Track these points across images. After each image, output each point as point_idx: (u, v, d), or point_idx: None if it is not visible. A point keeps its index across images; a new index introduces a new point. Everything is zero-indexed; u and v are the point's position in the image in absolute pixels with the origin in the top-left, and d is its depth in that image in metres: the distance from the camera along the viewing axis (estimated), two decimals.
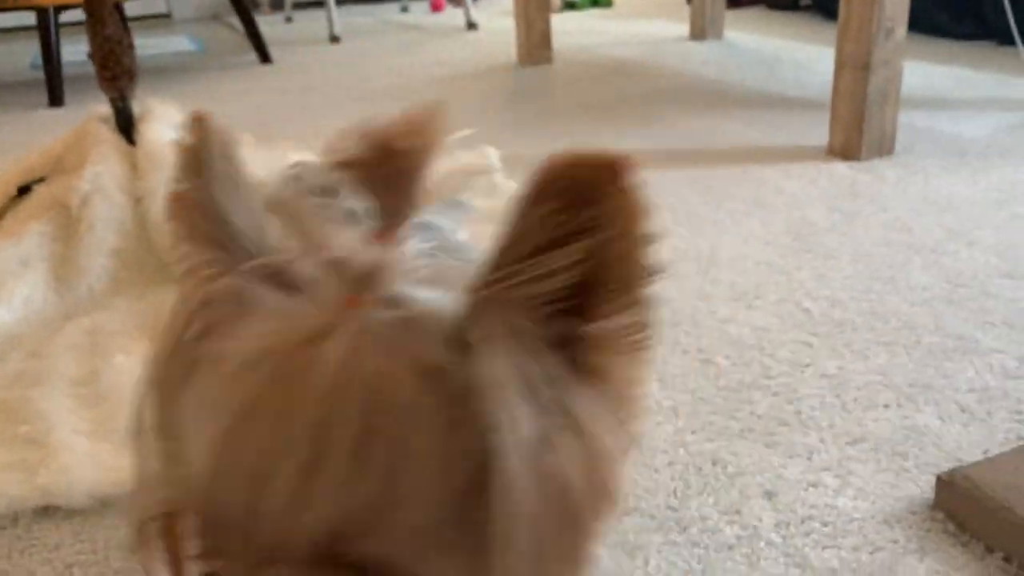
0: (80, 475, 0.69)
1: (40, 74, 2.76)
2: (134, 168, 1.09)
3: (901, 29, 1.39)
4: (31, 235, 1.03)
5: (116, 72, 1.11)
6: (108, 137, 1.12)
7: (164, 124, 1.15)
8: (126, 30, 1.13)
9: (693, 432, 0.74)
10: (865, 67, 1.39)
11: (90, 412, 0.80)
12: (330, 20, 3.14)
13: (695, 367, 0.84)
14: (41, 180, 1.18)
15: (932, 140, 1.53)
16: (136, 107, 1.16)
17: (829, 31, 2.80)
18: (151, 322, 0.96)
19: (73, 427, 0.76)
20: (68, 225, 1.05)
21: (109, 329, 0.95)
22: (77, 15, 2.91)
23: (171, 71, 2.76)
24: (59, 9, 2.28)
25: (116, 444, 0.75)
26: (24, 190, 1.18)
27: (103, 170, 1.07)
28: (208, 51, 3.15)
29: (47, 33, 2.22)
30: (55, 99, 2.25)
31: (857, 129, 1.43)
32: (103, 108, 1.18)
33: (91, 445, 0.74)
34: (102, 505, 0.68)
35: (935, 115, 1.68)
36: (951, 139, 1.53)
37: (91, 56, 1.11)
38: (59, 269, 1.02)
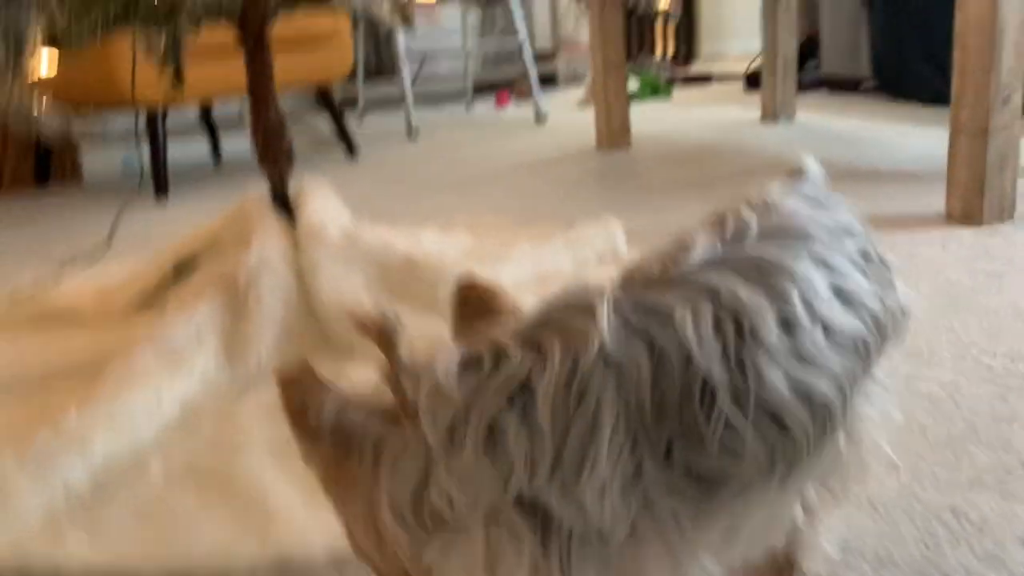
0: (313, 537, 0.69)
1: (133, 176, 2.91)
2: (295, 244, 1.13)
3: (1017, 96, 1.41)
4: (202, 310, 1.06)
5: (276, 155, 1.15)
6: (269, 215, 1.16)
7: (320, 202, 1.19)
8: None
9: (921, 486, 0.72)
10: (983, 133, 1.41)
11: (295, 477, 0.80)
12: (407, 115, 3.25)
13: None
14: (195, 258, 1.22)
15: None
16: (291, 188, 1.20)
17: (895, 109, 2.85)
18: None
19: (286, 491, 0.77)
20: (236, 300, 1.08)
21: None
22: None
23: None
24: (165, 110, 2.39)
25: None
26: (180, 269, 1.22)
27: (268, 246, 1.10)
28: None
29: (155, 132, 2.32)
30: (162, 195, 2.34)
31: (977, 194, 1.44)
32: (256, 191, 1.23)
33: (309, 509, 0.74)
34: (338, 564, 0.68)
35: None
36: None
37: (252, 137, 1.17)
38: (229, 342, 1.05)
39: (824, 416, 0.43)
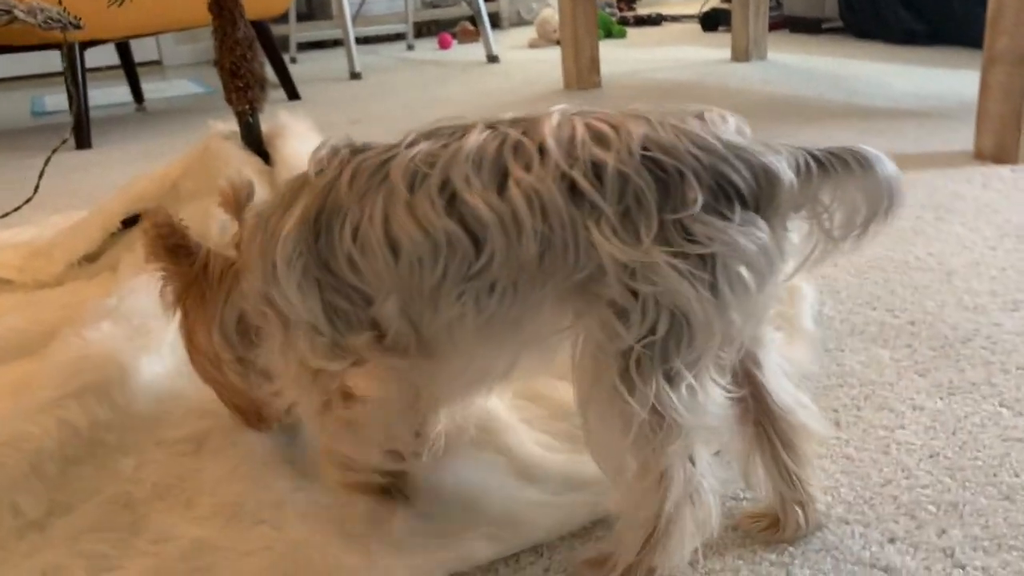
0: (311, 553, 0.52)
1: (45, 121, 2.60)
2: (275, 189, 0.93)
3: None
4: None
5: (247, 81, 0.95)
6: (239, 156, 0.96)
7: (299, 140, 0.99)
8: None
9: None
10: (1023, 62, 1.29)
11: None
12: (350, 58, 3.00)
13: None
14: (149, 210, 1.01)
15: None
16: (263, 123, 1.00)
17: (867, 48, 2.76)
18: None
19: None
20: None
21: None
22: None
23: (197, 111, 2.60)
24: (84, 47, 2.11)
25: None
26: (131, 221, 1.02)
27: None
28: (217, 92, 2.99)
29: (74, 71, 2.04)
30: (83, 141, 2.07)
31: (1014, 130, 1.33)
32: (221, 125, 1.02)
33: (306, 522, 0.57)
34: None
35: None
36: None
37: (216, 64, 0.96)
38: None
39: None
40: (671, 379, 0.46)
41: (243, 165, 0.95)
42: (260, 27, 2.54)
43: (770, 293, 0.47)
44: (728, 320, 0.45)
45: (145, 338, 0.80)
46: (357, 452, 0.56)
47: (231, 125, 1.02)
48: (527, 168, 0.47)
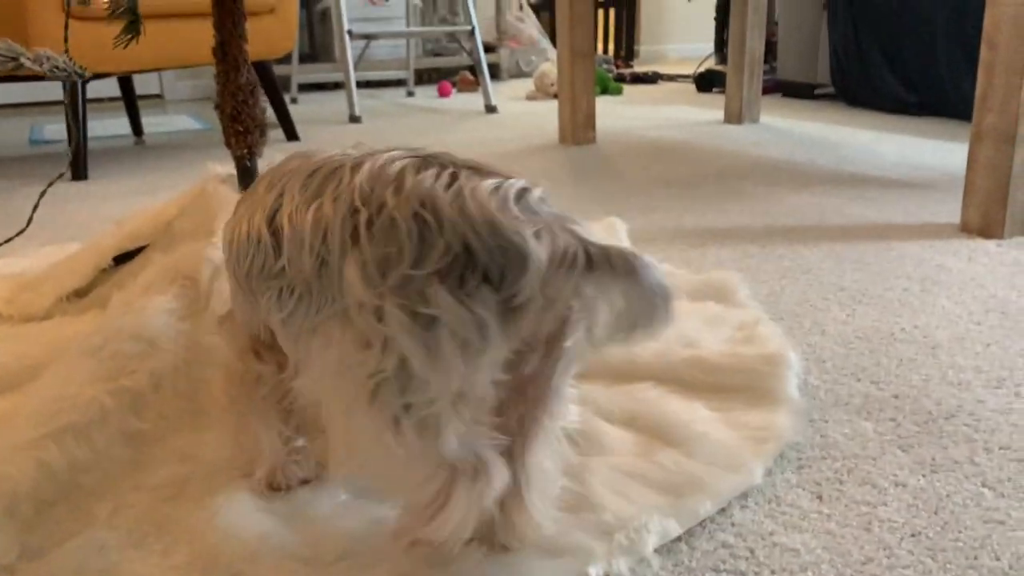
0: None
1: (42, 150, 2.61)
2: None
3: None
4: (156, 312, 0.86)
5: (247, 126, 0.96)
6: (236, 200, 0.97)
7: None
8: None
9: None
10: (1010, 140, 1.32)
11: (300, 537, 0.62)
12: (351, 101, 3.04)
13: (1016, 468, 0.70)
14: (142, 249, 1.02)
15: None
16: (262, 166, 1.01)
17: (858, 116, 2.81)
18: (315, 415, 0.79)
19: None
20: (197, 301, 0.89)
21: None
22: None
23: (195, 147, 2.61)
24: (86, 80, 2.13)
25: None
26: (122, 259, 1.02)
27: None
28: (214, 129, 3.01)
29: (75, 102, 2.06)
30: (79, 172, 2.07)
31: (999, 205, 1.35)
32: (219, 167, 1.03)
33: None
34: None
35: None
36: None
37: (217, 107, 0.97)
38: (190, 353, 0.85)
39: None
40: (408, 410, 0.49)
41: None
42: (262, 67, 2.57)
43: (484, 367, 0.49)
44: (444, 380, 0.48)
45: (129, 379, 0.79)
46: None
47: (229, 167, 1.03)
48: (334, 195, 0.52)
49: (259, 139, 0.98)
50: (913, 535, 0.62)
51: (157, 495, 0.68)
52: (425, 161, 0.52)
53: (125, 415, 0.77)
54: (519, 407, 0.55)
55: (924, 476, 0.70)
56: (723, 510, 0.66)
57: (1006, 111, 1.31)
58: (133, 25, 0.85)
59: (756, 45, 2.64)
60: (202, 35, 2.38)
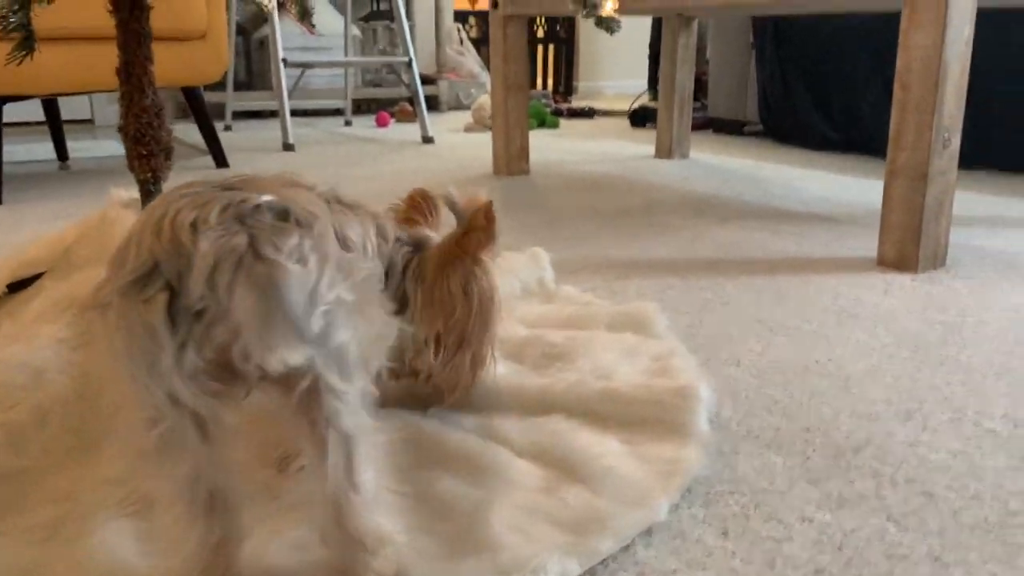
0: None
1: None
2: None
3: (956, 139, 1.36)
4: (45, 342, 0.82)
5: (152, 149, 0.93)
6: None
7: None
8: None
9: None
10: (923, 177, 1.35)
11: None
12: (284, 129, 3.00)
13: (920, 502, 0.70)
14: (39, 276, 0.97)
15: (975, 254, 1.50)
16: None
17: (785, 152, 2.88)
18: None
19: None
20: (90, 330, 0.84)
21: None
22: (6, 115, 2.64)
23: (122, 171, 2.54)
24: (2, 102, 2.06)
25: None
26: (16, 287, 0.96)
27: None
28: None
29: None
30: None
31: (913, 240, 1.38)
32: (124, 192, 0.99)
33: None
34: None
35: (964, 231, 1.67)
36: (990, 253, 1.50)
37: (121, 128, 0.93)
38: (80, 384, 0.81)
39: None
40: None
41: None
42: (192, 93, 2.52)
43: (165, 371, 0.49)
44: (131, 382, 0.50)
45: (9, 413, 0.75)
46: None
47: (133, 192, 0.99)
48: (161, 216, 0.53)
49: (164, 163, 0.95)
50: (816, 572, 0.61)
51: (27, 538, 0.63)
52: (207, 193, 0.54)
53: (3, 452, 0.72)
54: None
55: (831, 511, 0.69)
56: (627, 547, 0.64)
57: (918, 149, 1.35)
58: (27, 42, 0.82)
59: (686, 83, 2.68)
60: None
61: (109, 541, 0.61)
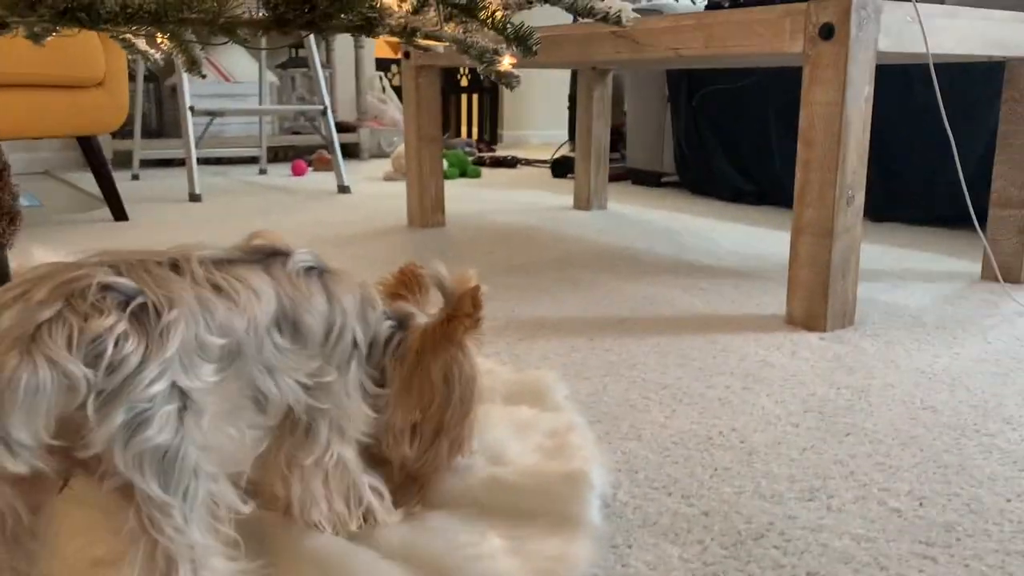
0: None
1: None
2: None
3: (860, 196, 1.36)
4: None
5: None
6: None
7: None
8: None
9: None
10: (828, 234, 1.34)
11: None
12: (191, 179, 2.89)
13: None
14: None
15: (882, 309, 1.49)
16: (13, 260, 0.88)
17: (699, 204, 2.89)
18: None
19: None
20: None
21: None
22: None
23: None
24: None
25: None
26: None
27: None
28: (48, 207, 2.78)
29: None
30: None
31: (821, 298, 1.36)
32: None
33: None
34: None
35: (872, 286, 1.67)
36: (897, 309, 1.50)
37: None
38: None
39: None
40: None
41: None
42: (88, 141, 2.40)
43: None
44: None
45: None
46: None
47: None
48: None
49: (8, 227, 0.85)
50: None
51: None
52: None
53: None
54: None
55: None
56: None
57: (823, 205, 1.34)
58: None
59: (602, 134, 2.68)
60: (15, 108, 2.20)
61: None
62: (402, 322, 0.76)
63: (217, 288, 0.57)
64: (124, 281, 0.52)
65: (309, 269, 0.65)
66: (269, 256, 0.63)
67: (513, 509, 0.74)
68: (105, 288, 0.51)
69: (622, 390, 1.10)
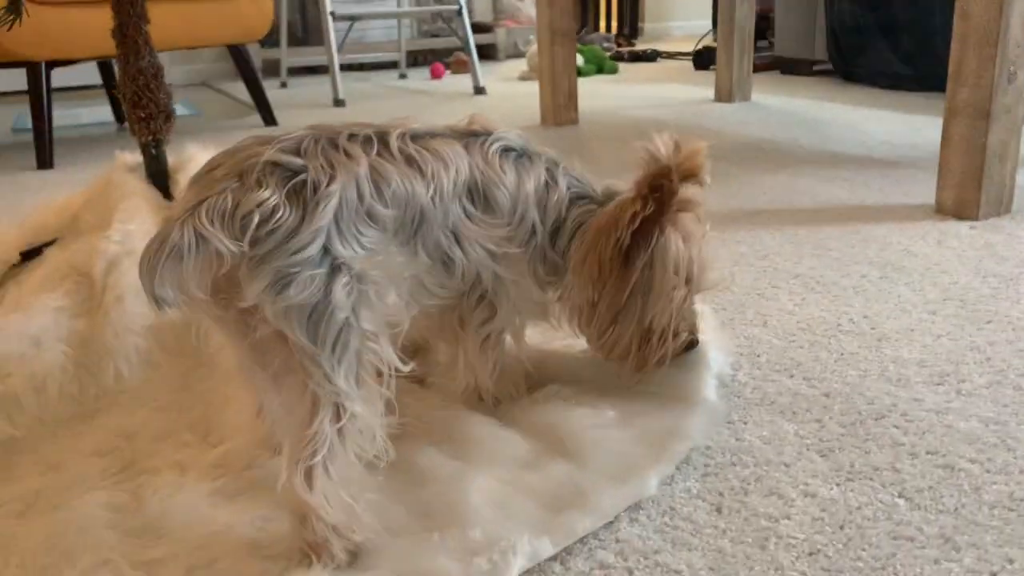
0: None
1: (23, 138, 2.58)
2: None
3: (1022, 72, 1.24)
4: (43, 310, 0.82)
5: (151, 111, 0.91)
6: (139, 189, 0.92)
7: None
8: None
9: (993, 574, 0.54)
10: (985, 116, 1.24)
11: (138, 552, 0.58)
12: (334, 84, 2.98)
13: (939, 476, 0.64)
14: (51, 243, 0.97)
15: None
16: (171, 156, 0.96)
17: (853, 93, 2.72)
18: (200, 419, 0.75)
19: None
20: (91, 298, 0.84)
21: (149, 431, 0.73)
22: (66, 79, 2.72)
23: (178, 132, 2.56)
24: (51, 66, 2.09)
25: None
26: (29, 255, 0.97)
27: (134, 228, 0.86)
28: (205, 115, 2.96)
29: (38, 89, 2.02)
30: (44, 161, 2.04)
31: (975, 185, 1.28)
32: (129, 156, 0.98)
33: None
34: None
35: None
36: None
37: (119, 91, 0.92)
38: (79, 352, 0.81)
39: None
40: None
41: (141, 199, 0.91)
42: (238, 51, 2.52)
43: None
44: None
45: (3, 384, 0.75)
46: None
47: (138, 156, 0.98)
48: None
49: (164, 125, 0.93)
50: (811, 553, 0.56)
51: (5, 510, 0.64)
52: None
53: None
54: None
55: (838, 485, 0.64)
56: (611, 524, 0.60)
57: (980, 85, 1.24)
58: (14, 5, 0.80)
59: (746, 21, 2.55)
60: (169, 19, 2.32)
61: (80, 514, 0.61)
62: (605, 201, 0.73)
63: (409, 159, 0.61)
64: (290, 158, 0.56)
65: (506, 149, 0.69)
66: (470, 135, 0.68)
67: (627, 387, 0.76)
68: (273, 165, 0.55)
69: (751, 279, 1.09)
